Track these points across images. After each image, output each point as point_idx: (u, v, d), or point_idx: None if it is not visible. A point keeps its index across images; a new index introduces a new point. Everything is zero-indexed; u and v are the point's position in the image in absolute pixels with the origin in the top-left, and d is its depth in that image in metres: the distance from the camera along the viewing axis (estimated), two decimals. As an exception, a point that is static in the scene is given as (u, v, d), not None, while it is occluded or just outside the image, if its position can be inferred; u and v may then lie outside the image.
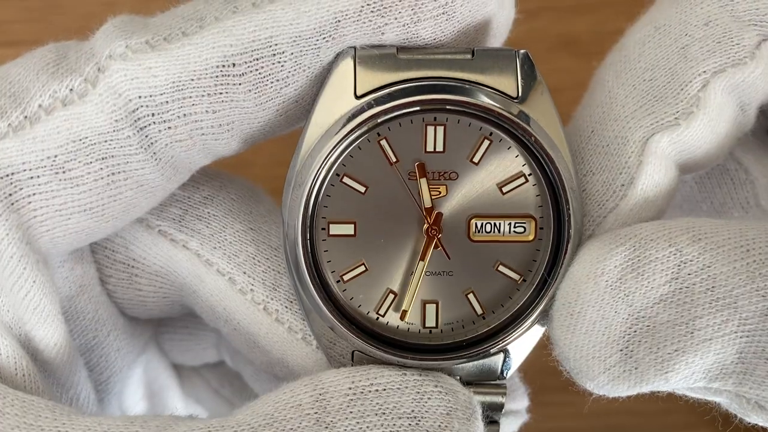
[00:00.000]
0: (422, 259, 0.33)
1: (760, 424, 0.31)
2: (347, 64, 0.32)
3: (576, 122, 0.36)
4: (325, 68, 0.33)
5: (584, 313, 0.30)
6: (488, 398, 0.34)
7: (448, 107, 0.32)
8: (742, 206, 0.38)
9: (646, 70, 0.34)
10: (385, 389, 0.31)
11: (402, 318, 0.34)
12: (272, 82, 0.32)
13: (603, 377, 0.30)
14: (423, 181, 0.33)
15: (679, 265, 0.30)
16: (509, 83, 0.33)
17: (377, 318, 0.34)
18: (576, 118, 0.36)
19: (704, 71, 0.33)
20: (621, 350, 0.29)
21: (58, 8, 0.55)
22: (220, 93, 0.32)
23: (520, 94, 0.33)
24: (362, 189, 0.33)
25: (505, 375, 0.35)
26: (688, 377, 0.30)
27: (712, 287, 0.29)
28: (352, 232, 0.34)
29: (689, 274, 0.29)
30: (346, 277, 0.34)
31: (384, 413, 0.30)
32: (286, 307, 0.36)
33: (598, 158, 0.34)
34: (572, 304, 0.31)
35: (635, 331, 0.29)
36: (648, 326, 0.29)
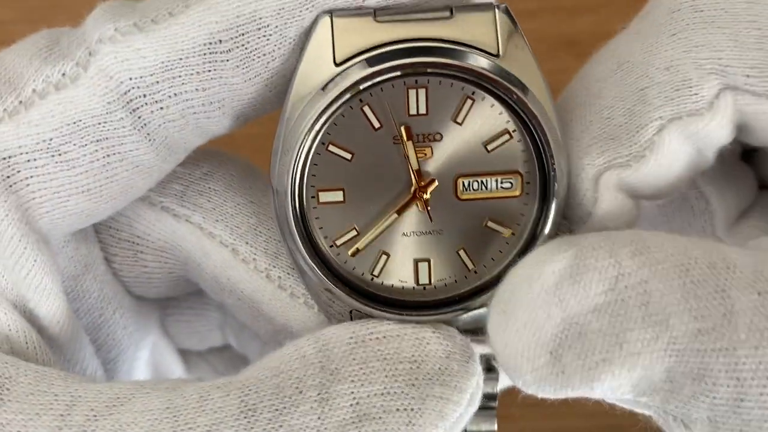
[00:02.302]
0: (398, 213, 0.34)
1: None
2: (324, 29, 0.33)
3: None
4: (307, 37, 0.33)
5: (515, 314, 0.30)
6: (487, 348, 0.34)
7: (428, 70, 0.32)
8: (698, 234, 0.39)
9: (604, 108, 0.34)
10: (385, 337, 0.32)
11: (353, 255, 0.34)
12: (259, 57, 0.33)
13: (530, 377, 0.29)
14: (409, 144, 0.33)
15: (616, 277, 0.29)
16: (489, 39, 0.33)
17: (372, 279, 0.35)
18: None
19: (660, 117, 0.33)
20: (550, 352, 0.29)
21: (58, 8, 0.55)
22: (209, 71, 0.33)
23: (500, 50, 0.33)
24: (348, 156, 0.34)
25: None
26: (615, 388, 0.29)
27: (647, 302, 0.29)
28: (342, 199, 0.34)
29: (626, 287, 0.29)
30: (338, 242, 0.34)
31: (386, 359, 0.31)
32: (288, 273, 0.36)
33: None
34: (505, 302, 0.30)
35: (566, 336, 0.29)
36: (579, 333, 0.29)
